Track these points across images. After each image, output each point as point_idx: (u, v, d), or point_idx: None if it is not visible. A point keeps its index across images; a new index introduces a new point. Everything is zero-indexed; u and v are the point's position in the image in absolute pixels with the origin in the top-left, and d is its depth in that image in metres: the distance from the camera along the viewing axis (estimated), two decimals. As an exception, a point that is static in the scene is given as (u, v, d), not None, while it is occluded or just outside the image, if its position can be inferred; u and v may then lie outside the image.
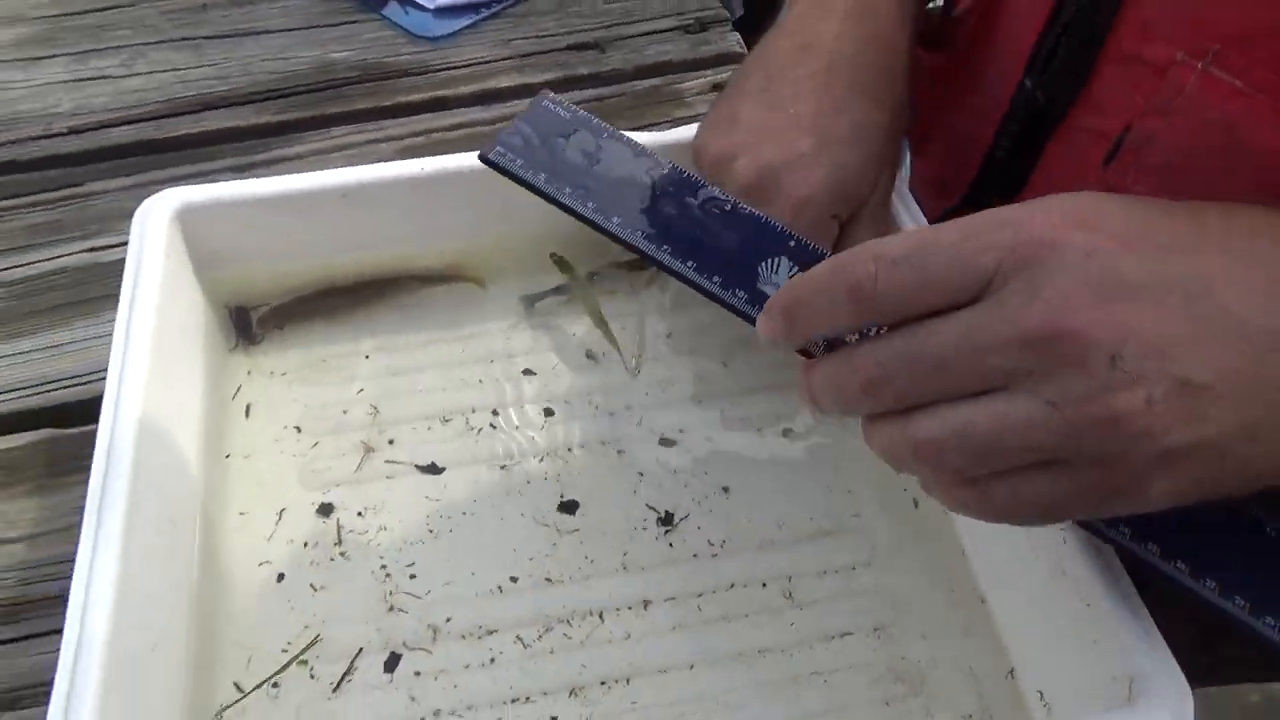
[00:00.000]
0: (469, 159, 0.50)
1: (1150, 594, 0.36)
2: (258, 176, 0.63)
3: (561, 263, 0.54)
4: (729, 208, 0.38)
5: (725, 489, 0.48)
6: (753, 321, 0.34)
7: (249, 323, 0.52)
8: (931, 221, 0.49)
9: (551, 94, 0.42)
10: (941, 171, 0.57)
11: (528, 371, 0.52)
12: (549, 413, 0.51)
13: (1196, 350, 0.27)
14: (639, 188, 0.38)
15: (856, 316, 0.29)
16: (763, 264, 0.36)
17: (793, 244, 0.37)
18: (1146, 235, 0.28)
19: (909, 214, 0.49)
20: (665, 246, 0.37)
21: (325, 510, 0.47)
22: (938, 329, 0.28)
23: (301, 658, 0.42)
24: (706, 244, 0.37)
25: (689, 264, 0.36)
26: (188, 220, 0.49)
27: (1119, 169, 0.44)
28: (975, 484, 0.29)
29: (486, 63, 0.72)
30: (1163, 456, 0.27)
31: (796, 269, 0.36)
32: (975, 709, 0.41)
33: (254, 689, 0.41)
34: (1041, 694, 0.40)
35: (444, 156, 0.50)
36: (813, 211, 0.43)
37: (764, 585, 0.45)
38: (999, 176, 0.51)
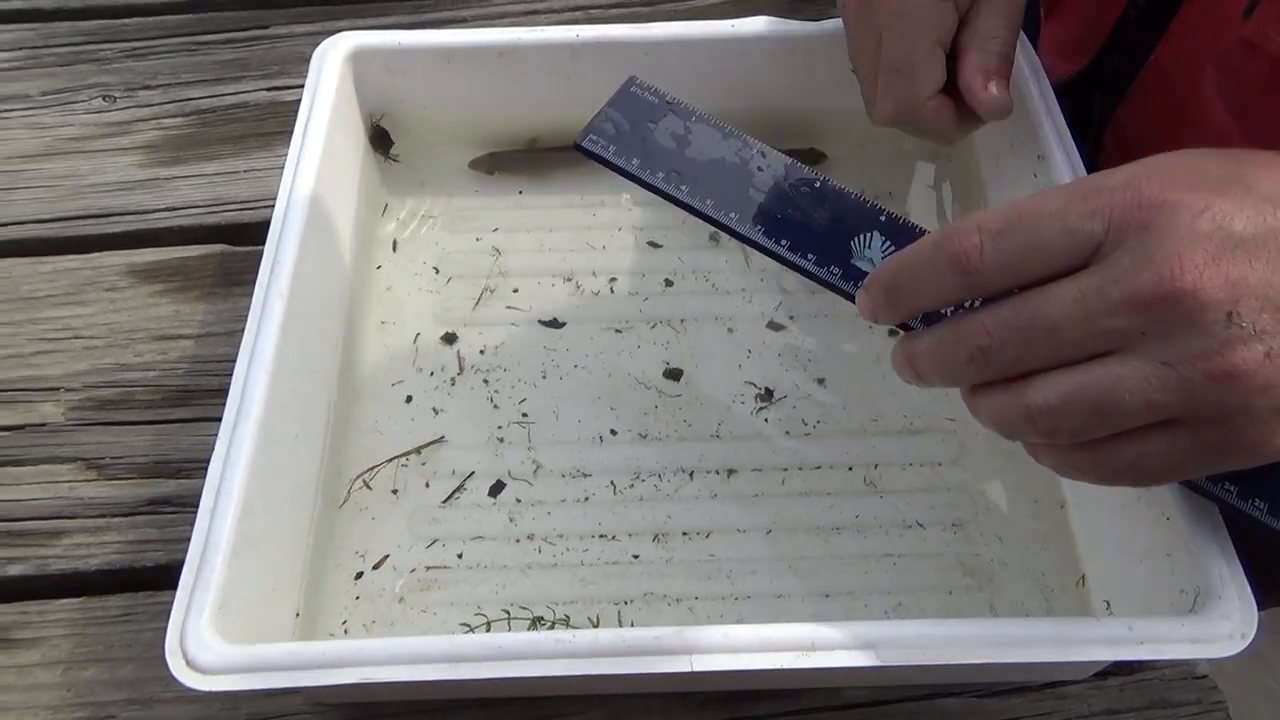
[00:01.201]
0: (619, 30, 0.52)
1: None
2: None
3: None
4: (818, 185, 0.38)
5: (824, 378, 0.50)
6: (850, 298, 0.35)
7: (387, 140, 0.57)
8: (1055, 85, 0.49)
9: (638, 79, 0.42)
10: (1072, 32, 0.56)
11: (652, 244, 0.55)
12: (668, 283, 0.53)
13: None
14: (729, 168, 0.39)
15: (962, 290, 0.30)
16: (855, 239, 0.36)
17: (884, 219, 0.36)
18: (1253, 189, 0.28)
19: (1035, 79, 0.49)
20: (759, 226, 0.37)
21: (452, 342, 0.51)
22: (1048, 295, 0.28)
23: (420, 452, 0.47)
24: (798, 221, 0.37)
25: (782, 243, 0.37)
26: (359, 62, 0.53)
27: (1259, 21, 0.43)
28: (1092, 448, 0.30)
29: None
30: None
31: (890, 244, 0.36)
32: (1038, 610, 0.43)
33: (380, 465, 0.47)
34: (1108, 603, 0.41)
35: (597, 26, 0.52)
36: None
37: (849, 469, 0.47)
38: (1132, 33, 0.50)
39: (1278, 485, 0.33)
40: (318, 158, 0.48)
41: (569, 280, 0.53)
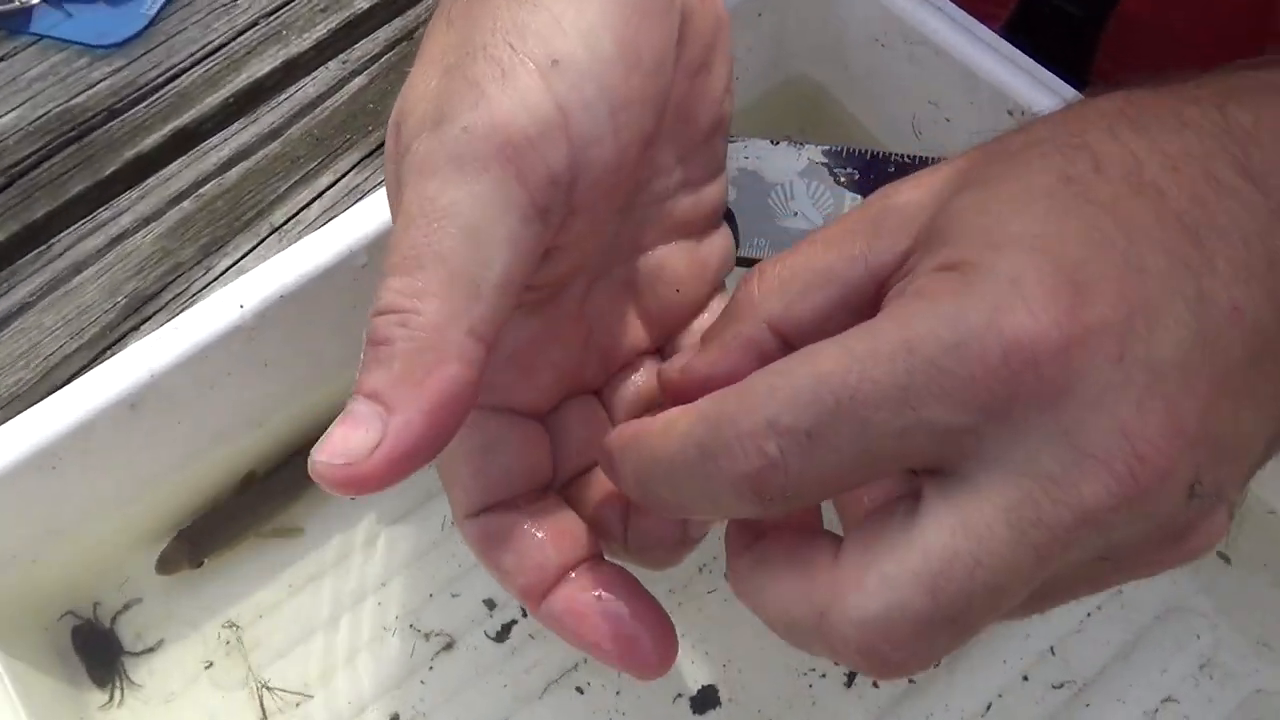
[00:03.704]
0: (294, 272, 0.30)
1: None
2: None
3: None
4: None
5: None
6: None
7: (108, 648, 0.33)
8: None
9: None
10: None
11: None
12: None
13: (1251, 411, 0.20)
14: None
15: (763, 514, 0.20)
16: (773, 192, 0.29)
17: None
18: (1147, 272, 0.19)
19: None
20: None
21: None
22: (957, 569, 0.18)
23: None
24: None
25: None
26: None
27: None
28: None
29: (224, 45, 0.49)
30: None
31: (818, 185, 0.29)
32: None
33: None
34: None
35: (261, 282, 0.30)
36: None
37: (1024, 679, 0.30)
38: None
39: None
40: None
41: (449, 649, 0.32)
